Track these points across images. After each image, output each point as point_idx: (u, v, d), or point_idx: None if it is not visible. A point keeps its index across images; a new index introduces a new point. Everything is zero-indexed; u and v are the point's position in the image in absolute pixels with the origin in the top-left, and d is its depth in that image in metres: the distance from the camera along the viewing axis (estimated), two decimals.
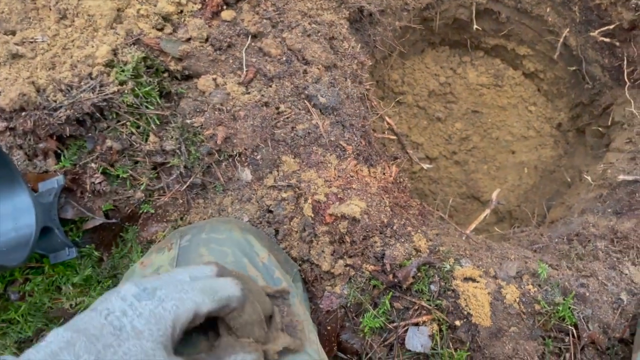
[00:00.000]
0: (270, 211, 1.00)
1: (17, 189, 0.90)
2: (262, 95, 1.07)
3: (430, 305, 0.95)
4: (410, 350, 0.95)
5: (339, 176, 1.04)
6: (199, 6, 1.12)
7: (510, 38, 1.83)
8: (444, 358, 0.93)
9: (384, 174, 1.15)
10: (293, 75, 1.11)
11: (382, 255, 0.98)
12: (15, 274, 1.00)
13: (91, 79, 0.98)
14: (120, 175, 1.01)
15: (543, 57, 1.82)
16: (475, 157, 1.91)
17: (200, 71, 1.07)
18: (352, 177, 1.05)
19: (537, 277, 0.99)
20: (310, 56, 1.14)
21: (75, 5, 1.06)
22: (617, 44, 1.54)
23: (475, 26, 1.75)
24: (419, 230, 1.04)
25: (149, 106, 1.02)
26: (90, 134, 0.99)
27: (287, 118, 1.07)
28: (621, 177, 1.29)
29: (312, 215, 0.97)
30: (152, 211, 1.04)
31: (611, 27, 1.50)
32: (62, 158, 0.99)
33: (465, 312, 0.93)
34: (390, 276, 0.96)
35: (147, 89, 1.01)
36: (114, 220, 1.03)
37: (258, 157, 1.04)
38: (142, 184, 1.02)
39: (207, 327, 0.59)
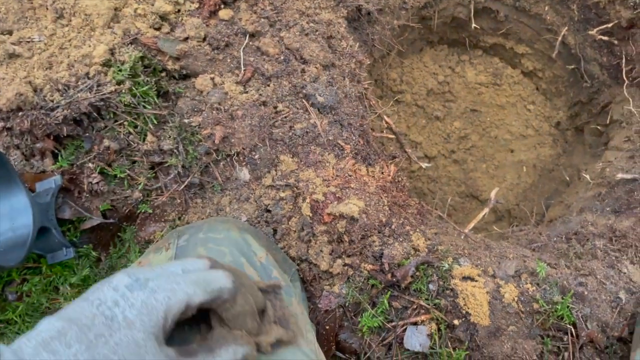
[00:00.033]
0: (269, 211, 1.00)
1: (14, 189, 0.90)
2: (260, 95, 1.07)
3: (428, 305, 0.95)
4: (408, 350, 0.95)
5: (337, 175, 1.04)
6: (197, 5, 1.11)
7: (509, 37, 1.83)
8: (442, 357, 0.93)
9: (382, 173, 1.15)
10: (291, 75, 1.11)
11: (380, 255, 0.98)
12: (12, 274, 1.00)
13: (88, 78, 0.97)
14: (118, 175, 1.01)
15: (542, 56, 1.82)
16: (474, 155, 1.91)
17: (198, 70, 1.07)
18: (350, 176, 1.05)
19: (536, 276, 0.99)
20: (308, 55, 1.14)
21: (72, 4, 1.05)
22: (616, 42, 1.53)
23: (473, 25, 1.75)
24: (418, 230, 1.04)
25: (147, 106, 1.01)
26: (87, 134, 0.99)
27: (285, 117, 1.07)
28: (620, 175, 1.29)
29: (311, 215, 0.97)
30: (150, 211, 1.04)
31: (609, 25, 1.49)
32: (59, 158, 0.99)
33: (464, 311, 0.93)
34: (389, 275, 0.96)
35: (144, 88, 1.00)
36: (111, 220, 1.03)
37: (256, 156, 1.04)
38: (139, 184, 1.02)
39: (200, 320, 0.59)
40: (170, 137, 1.01)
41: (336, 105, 1.12)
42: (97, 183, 0.99)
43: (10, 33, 1.04)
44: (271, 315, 0.64)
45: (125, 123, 1.00)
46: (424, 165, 1.69)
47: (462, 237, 1.12)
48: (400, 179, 1.20)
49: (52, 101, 0.95)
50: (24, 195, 0.89)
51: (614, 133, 1.57)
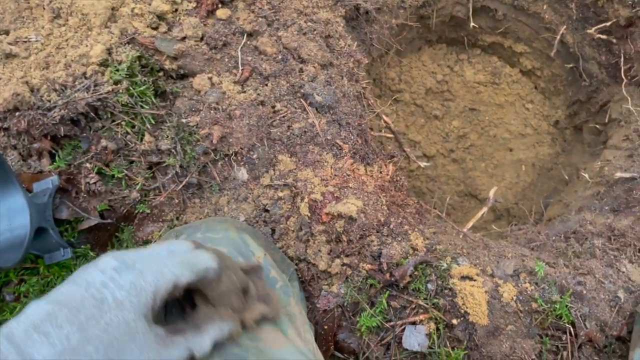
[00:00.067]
0: (267, 210, 1.00)
1: (11, 190, 0.89)
2: (258, 94, 1.07)
3: (427, 304, 0.95)
4: (407, 349, 0.95)
5: (335, 175, 1.03)
6: (194, 4, 1.11)
7: (507, 35, 1.83)
8: (441, 357, 0.93)
9: (380, 172, 1.15)
10: (289, 74, 1.11)
11: (379, 254, 0.98)
12: (10, 275, 1.00)
13: (85, 78, 0.97)
14: (116, 175, 1.01)
15: (540, 55, 1.82)
16: (473, 155, 1.91)
17: (196, 70, 1.07)
18: (348, 175, 1.05)
19: (535, 275, 0.98)
20: (306, 54, 1.14)
21: (69, 4, 1.05)
22: (614, 41, 1.53)
23: (472, 24, 1.75)
24: (416, 229, 1.04)
25: (144, 105, 1.01)
26: (84, 134, 0.99)
27: (283, 117, 1.07)
28: (618, 174, 1.29)
29: (309, 215, 0.97)
30: (148, 211, 1.04)
31: (608, 24, 1.49)
32: (56, 158, 0.99)
33: (463, 311, 0.93)
34: (387, 275, 0.96)
35: (142, 88, 1.00)
36: (109, 221, 1.03)
37: (254, 156, 1.03)
38: (137, 184, 1.02)
39: (184, 301, 0.61)
40: (168, 137, 1.01)
41: (334, 105, 1.12)
42: (95, 183, 0.99)
43: (6, 33, 1.04)
44: (254, 294, 0.66)
45: (123, 123, 0.99)
46: (423, 164, 1.69)
47: (461, 236, 1.12)
48: (398, 178, 1.20)
49: (49, 101, 0.94)
50: (21, 196, 0.88)
51: (612, 132, 1.57)
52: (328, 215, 0.96)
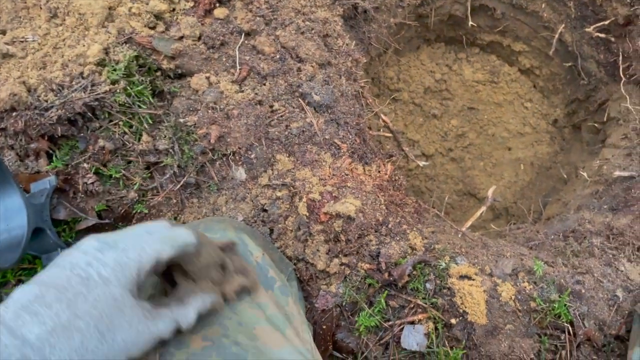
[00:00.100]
0: (265, 210, 1.00)
1: (8, 190, 0.89)
2: (256, 94, 1.07)
3: (425, 304, 0.95)
4: (406, 349, 0.94)
5: (333, 174, 1.03)
6: (192, 4, 1.11)
7: (506, 34, 1.83)
8: (439, 356, 0.93)
9: (379, 172, 1.14)
10: (287, 73, 1.11)
11: (377, 254, 0.97)
12: (7, 275, 1.00)
13: (82, 78, 0.97)
14: (113, 175, 1.00)
15: (539, 54, 1.82)
16: (472, 154, 1.91)
17: (193, 70, 1.06)
18: (347, 175, 1.05)
19: (533, 275, 0.98)
20: (304, 54, 1.13)
21: (66, 4, 1.05)
22: (613, 39, 1.53)
23: (470, 22, 1.75)
24: (415, 228, 1.04)
25: (142, 105, 1.01)
26: (82, 134, 0.99)
27: (281, 116, 1.07)
28: (617, 173, 1.29)
29: (307, 214, 0.96)
30: (146, 211, 1.04)
31: (606, 22, 1.49)
32: (54, 158, 0.98)
33: (461, 310, 0.93)
34: (386, 275, 0.96)
35: (139, 88, 1.00)
36: (107, 221, 1.03)
37: (252, 155, 1.03)
38: (135, 184, 1.01)
39: (165, 283, 0.63)
40: (165, 136, 1.00)
41: (332, 104, 1.12)
42: (92, 183, 0.99)
43: (3, 33, 1.03)
44: (231, 268, 0.68)
45: (120, 123, 0.99)
46: (421, 163, 1.69)
47: (460, 235, 1.12)
48: (397, 177, 1.20)
49: (46, 101, 0.94)
50: (19, 196, 0.88)
51: (611, 130, 1.57)
52: (326, 214, 0.96)
